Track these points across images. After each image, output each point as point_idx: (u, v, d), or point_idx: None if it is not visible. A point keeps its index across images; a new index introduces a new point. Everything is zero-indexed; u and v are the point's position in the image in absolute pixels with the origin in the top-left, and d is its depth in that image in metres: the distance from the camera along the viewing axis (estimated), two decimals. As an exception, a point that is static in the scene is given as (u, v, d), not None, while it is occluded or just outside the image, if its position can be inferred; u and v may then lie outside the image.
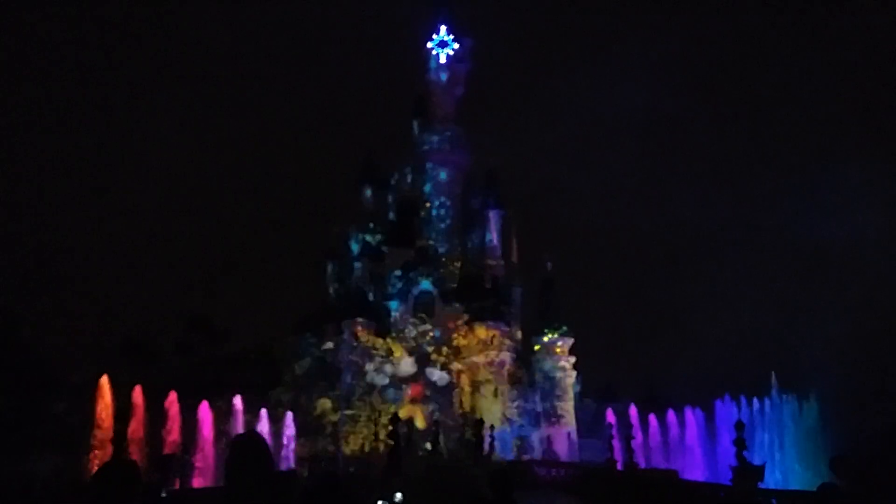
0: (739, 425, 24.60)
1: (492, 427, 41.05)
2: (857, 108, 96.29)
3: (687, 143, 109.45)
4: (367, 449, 42.71)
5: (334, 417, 44.62)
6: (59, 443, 40.73)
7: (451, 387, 45.69)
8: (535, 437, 45.50)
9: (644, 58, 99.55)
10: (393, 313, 47.29)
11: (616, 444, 36.05)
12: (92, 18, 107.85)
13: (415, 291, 47.42)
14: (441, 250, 50.70)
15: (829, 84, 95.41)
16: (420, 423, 44.14)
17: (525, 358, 47.88)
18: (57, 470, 36.90)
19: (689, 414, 45.98)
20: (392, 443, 39.02)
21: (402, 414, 42.20)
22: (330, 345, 46.67)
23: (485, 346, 46.21)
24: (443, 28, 54.13)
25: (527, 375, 47.14)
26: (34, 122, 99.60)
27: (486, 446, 39.20)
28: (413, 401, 44.98)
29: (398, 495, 30.55)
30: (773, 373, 45.95)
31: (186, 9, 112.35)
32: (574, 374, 47.50)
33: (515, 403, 45.95)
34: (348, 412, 44.46)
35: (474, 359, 46.03)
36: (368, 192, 52.91)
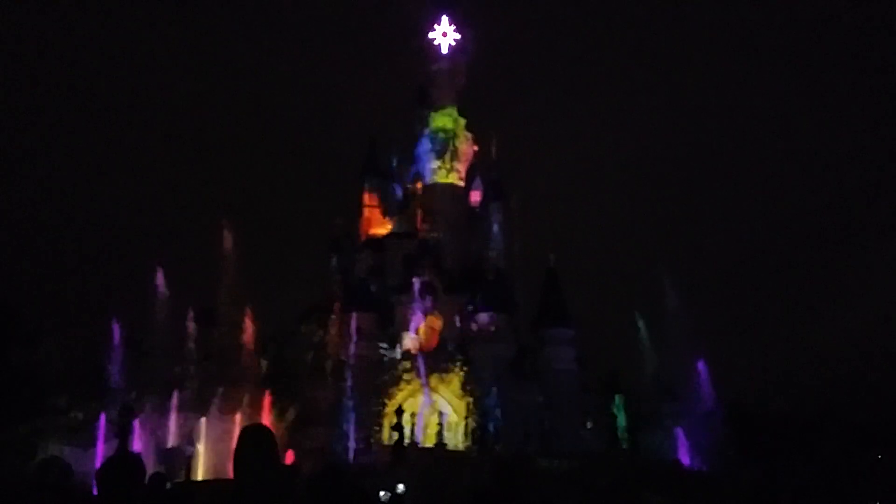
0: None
1: (495, 418, 41.11)
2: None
3: (693, 136, 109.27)
4: (370, 441, 42.79)
5: (337, 409, 44.65)
6: (62, 436, 40.81)
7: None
8: (538, 428, 45.50)
9: (651, 46, 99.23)
10: (395, 305, 47.30)
11: (618, 434, 36.13)
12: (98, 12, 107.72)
13: (417, 283, 47.41)
14: (443, 242, 50.67)
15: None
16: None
17: (527, 349, 47.88)
18: (60, 463, 36.95)
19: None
20: (396, 434, 39.14)
21: (406, 406, 42.29)
22: (333, 336, 46.71)
23: (487, 338, 46.21)
24: (444, 18, 53.99)
25: (529, 367, 47.13)
26: (34, 114, 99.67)
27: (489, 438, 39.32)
28: (416, 392, 45.00)
29: (400, 487, 30.62)
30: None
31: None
32: (576, 365, 47.49)
33: (517, 395, 45.95)
34: (351, 404, 44.50)
35: (477, 351, 46.04)
36: (371, 184, 52.92)
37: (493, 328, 46.39)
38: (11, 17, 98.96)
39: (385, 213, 52.98)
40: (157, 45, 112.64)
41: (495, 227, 50.93)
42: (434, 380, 45.50)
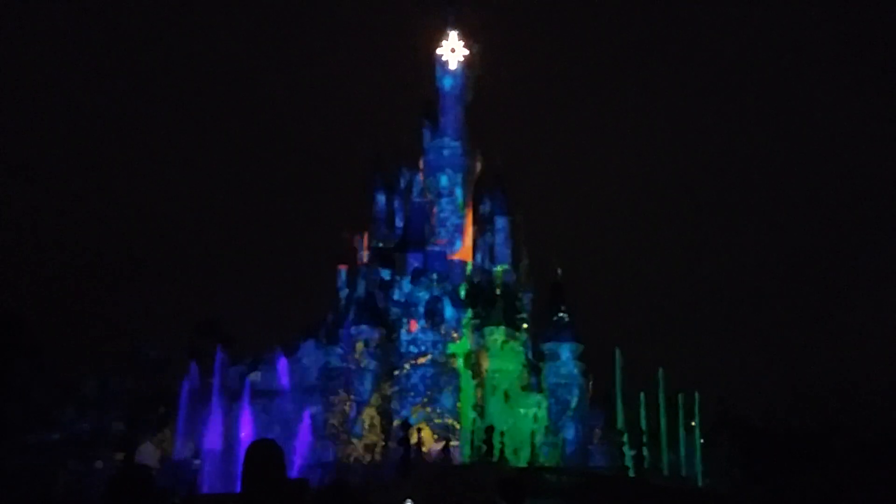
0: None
1: (502, 433, 40.97)
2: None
3: (701, 152, 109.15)
4: (377, 455, 42.70)
5: (344, 424, 44.60)
6: (68, 449, 40.86)
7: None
8: (545, 443, 45.37)
9: (664, 61, 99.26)
10: (402, 320, 47.27)
11: (626, 451, 36.00)
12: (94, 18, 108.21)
13: (424, 298, 47.37)
14: (450, 256, 50.70)
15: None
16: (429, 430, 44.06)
17: (535, 364, 47.79)
18: (68, 477, 37.00)
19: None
20: (402, 449, 39.05)
21: (412, 419, 42.23)
22: (340, 351, 46.68)
23: (494, 353, 46.14)
24: (452, 34, 54.16)
25: (536, 381, 47.04)
26: (34, 120, 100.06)
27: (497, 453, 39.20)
28: (422, 406, 44.90)
29: (408, 502, 30.56)
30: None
31: (194, 11, 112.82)
32: (583, 380, 47.35)
33: (525, 410, 45.84)
34: (358, 419, 44.47)
35: (484, 365, 45.98)
36: (378, 198, 52.98)
37: (499, 342, 46.33)
38: (11, 19, 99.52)
39: (392, 227, 52.98)
40: (159, 56, 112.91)
41: (502, 242, 50.96)
42: (440, 393, 45.40)
